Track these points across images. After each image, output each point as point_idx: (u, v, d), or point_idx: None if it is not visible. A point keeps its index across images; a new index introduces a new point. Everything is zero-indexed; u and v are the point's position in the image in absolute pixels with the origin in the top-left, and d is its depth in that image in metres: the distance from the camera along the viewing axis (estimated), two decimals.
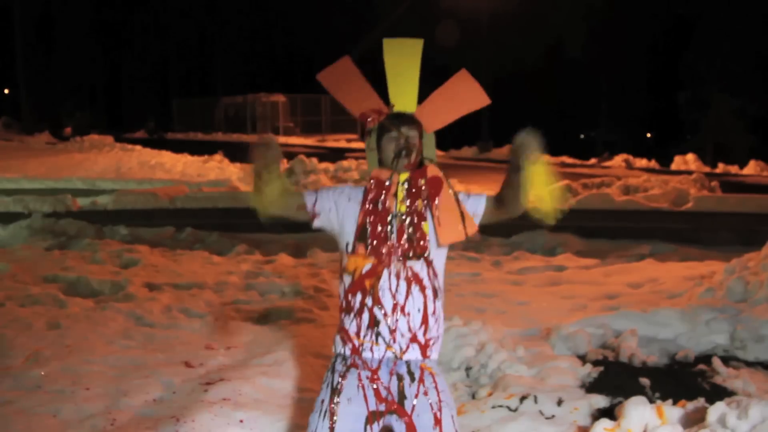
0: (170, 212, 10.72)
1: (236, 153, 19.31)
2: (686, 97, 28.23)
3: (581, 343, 4.42)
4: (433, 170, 2.18)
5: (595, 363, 4.09)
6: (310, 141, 28.25)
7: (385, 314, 2.12)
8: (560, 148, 23.47)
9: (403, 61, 2.23)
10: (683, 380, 3.86)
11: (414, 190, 2.15)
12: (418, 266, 2.14)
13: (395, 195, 2.15)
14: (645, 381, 3.78)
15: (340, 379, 2.14)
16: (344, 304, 2.19)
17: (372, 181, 2.17)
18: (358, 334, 2.14)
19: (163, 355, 4.44)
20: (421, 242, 2.14)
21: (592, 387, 3.73)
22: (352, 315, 2.16)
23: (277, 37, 36.95)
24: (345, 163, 15.40)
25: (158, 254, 8.01)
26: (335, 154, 19.24)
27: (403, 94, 2.23)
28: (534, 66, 30.35)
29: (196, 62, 39.66)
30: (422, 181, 2.16)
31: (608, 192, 11.48)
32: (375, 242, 2.12)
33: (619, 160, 20.37)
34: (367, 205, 2.14)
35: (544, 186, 1.98)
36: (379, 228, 2.13)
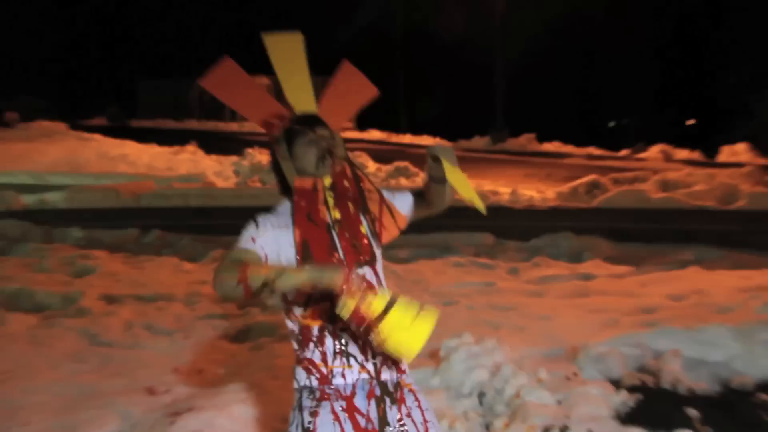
0: (134, 212, 10.74)
1: (212, 143, 19.34)
2: (736, 76, 28.15)
3: (614, 365, 4.39)
4: (350, 169, 2.28)
5: (632, 389, 4.06)
6: None
7: (351, 334, 2.15)
8: (586, 137, 23.50)
9: (289, 57, 2.33)
10: (739, 412, 3.83)
11: (342, 194, 2.24)
12: (368, 274, 2.21)
13: (325, 203, 2.21)
14: (692, 412, 3.76)
15: (311, 418, 2.14)
16: (300, 338, 2.19)
17: (297, 193, 2.20)
18: (324, 361, 2.16)
19: (122, 381, 4.39)
20: (366, 247, 2.22)
21: (628, 418, 3.71)
22: (311, 345, 2.17)
23: (262, 7, 36.96)
24: None
25: (119, 261, 8.00)
26: None
27: (301, 94, 2.32)
28: (554, 46, 30.37)
29: (166, 37, 39.59)
30: (346, 182, 2.25)
31: (643, 188, 11.46)
32: (323, 260, 2.14)
33: (655, 151, 20.37)
34: (301, 221, 2.17)
35: (467, 191, 2.15)
36: (322, 243, 2.16)
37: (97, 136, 20.38)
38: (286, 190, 2.26)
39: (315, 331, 2.16)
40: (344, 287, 1.84)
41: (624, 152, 21.26)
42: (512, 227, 9.16)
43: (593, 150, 21.55)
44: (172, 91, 35.24)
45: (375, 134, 25.27)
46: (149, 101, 35.88)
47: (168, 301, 6.34)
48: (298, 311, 2.18)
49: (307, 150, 2.21)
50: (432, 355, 4.58)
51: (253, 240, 2.13)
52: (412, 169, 13.99)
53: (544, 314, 5.90)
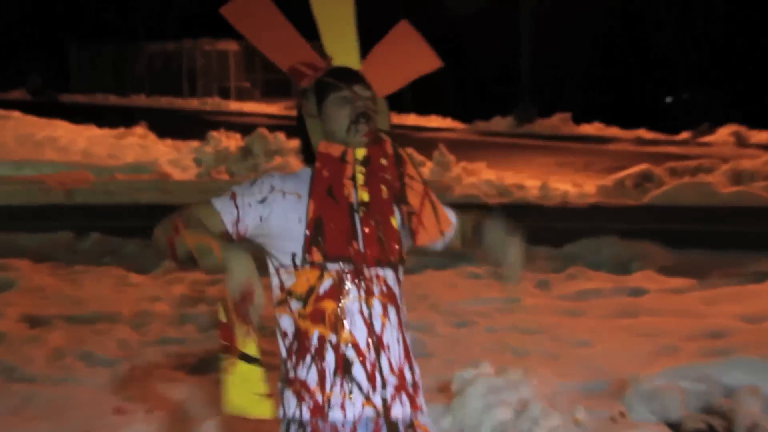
0: (66, 210, 10.75)
1: (167, 125, 19.31)
2: None
3: (672, 403, 4.38)
4: (391, 146, 2.29)
5: None
6: (274, 108, 28.31)
7: (359, 351, 2.17)
8: (636, 117, 23.47)
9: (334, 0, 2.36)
10: None
11: (376, 172, 2.24)
12: (391, 279, 2.25)
13: (353, 178, 2.22)
14: None
15: None
16: (294, 345, 2.20)
17: (321, 159, 2.22)
18: (321, 384, 2.16)
19: (49, 425, 4.36)
20: (394, 244, 2.24)
21: None
22: (308, 358, 2.18)
23: None
24: None
25: (46, 272, 8.00)
26: None
27: (343, 44, 2.34)
28: (594, 2, 30.26)
29: None
30: (383, 160, 2.26)
31: (709, 180, 11.47)
32: (337, 246, 2.17)
33: (725, 133, 20.36)
34: (319, 194, 2.19)
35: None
36: (340, 226, 2.18)
37: (17, 114, 20.33)
38: (309, 157, 2.28)
39: (314, 339, 2.17)
40: (239, 302, 1.93)
41: (684, 135, 21.26)
42: (542, 230, 9.13)
43: (644, 133, 21.55)
44: (114, 58, 35.20)
45: None
46: (84, 71, 35.84)
47: (110, 322, 6.32)
48: (296, 304, 2.19)
49: (340, 109, 2.22)
50: (442, 388, 4.57)
51: (233, 201, 2.16)
52: (417, 156, 13.98)
53: (583, 339, 5.91)
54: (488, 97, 26.88)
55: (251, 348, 2.05)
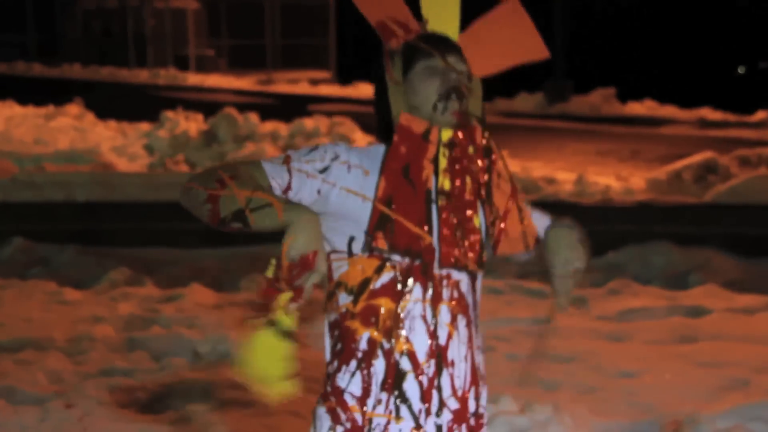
0: None
1: (109, 102, 19.21)
2: None
3: None
4: (482, 134, 2.37)
5: None
6: (245, 82, 28.26)
7: (416, 362, 2.21)
8: (697, 93, 23.42)
9: None
10: None
11: (461, 160, 2.30)
12: (465, 285, 2.31)
13: (434, 161, 2.27)
14: None
15: None
16: (338, 347, 2.25)
17: (400, 132, 2.28)
18: (363, 399, 2.21)
19: None
20: (474, 246, 2.30)
21: None
22: (353, 364, 2.22)
23: None
24: (308, 123, 15.39)
25: None
26: (290, 107, 19.37)
27: (443, 7, 2.44)
28: None
29: None
30: (471, 149, 2.32)
31: None
32: (407, 235, 2.22)
33: None
34: (393, 172, 2.25)
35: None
36: (413, 213, 2.23)
37: None
38: (385, 132, 2.35)
39: (363, 342, 2.22)
40: (295, 265, 1.98)
41: (761, 115, 21.16)
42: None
43: (708, 112, 21.51)
44: (39, 18, 35.04)
45: (365, 90, 25.20)
46: (1, 33, 35.68)
47: (39, 350, 6.32)
48: (345, 298, 2.24)
49: (429, 80, 2.29)
50: None
51: (286, 167, 2.19)
52: None
53: (628, 369, 5.95)
54: (512, 68, 26.81)
55: (286, 320, 2.06)
